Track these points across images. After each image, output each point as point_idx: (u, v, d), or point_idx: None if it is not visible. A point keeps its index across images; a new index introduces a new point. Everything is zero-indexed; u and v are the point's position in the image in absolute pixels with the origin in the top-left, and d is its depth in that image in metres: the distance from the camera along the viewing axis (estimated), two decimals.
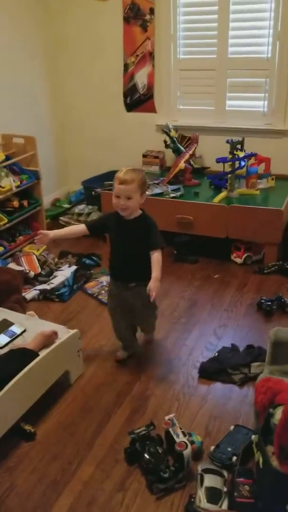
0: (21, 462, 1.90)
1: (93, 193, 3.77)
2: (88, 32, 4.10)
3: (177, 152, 3.79)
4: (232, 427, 1.97)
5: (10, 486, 1.80)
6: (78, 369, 2.35)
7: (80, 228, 2.33)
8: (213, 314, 2.87)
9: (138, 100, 4.14)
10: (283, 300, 2.87)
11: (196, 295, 3.08)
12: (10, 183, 3.41)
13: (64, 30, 4.16)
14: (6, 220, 3.38)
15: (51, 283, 3.14)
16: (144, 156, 4.04)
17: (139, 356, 2.50)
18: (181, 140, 3.85)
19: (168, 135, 3.76)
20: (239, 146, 3.43)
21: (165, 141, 3.80)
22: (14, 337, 2.25)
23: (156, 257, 2.18)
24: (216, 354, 2.47)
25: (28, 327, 2.33)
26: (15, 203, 3.52)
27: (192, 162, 3.83)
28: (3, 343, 2.20)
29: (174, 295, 3.08)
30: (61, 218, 4.12)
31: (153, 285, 2.12)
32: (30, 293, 3.05)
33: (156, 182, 3.71)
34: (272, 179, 3.67)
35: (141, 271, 2.20)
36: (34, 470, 1.87)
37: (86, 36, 4.11)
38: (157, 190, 3.55)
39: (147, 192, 3.52)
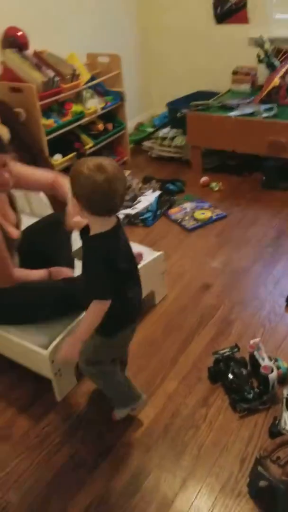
0: None
1: (178, 115, 3.61)
2: None
3: (271, 68, 3.47)
4: None
5: (99, 393, 1.89)
6: (162, 291, 2.38)
7: None
8: None
9: (229, 10, 3.77)
10: None
11: (286, 224, 2.93)
12: (95, 104, 3.35)
13: None
14: (91, 144, 3.36)
15: (135, 207, 3.14)
16: (234, 73, 3.74)
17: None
18: (276, 53, 3.50)
19: (262, 48, 3.43)
20: None
21: (258, 56, 3.49)
22: None
23: (90, 307, 1.49)
24: None
25: None
26: (100, 126, 3.47)
27: None
28: None
29: (261, 224, 2.95)
30: (144, 143, 4.03)
31: (64, 343, 1.62)
32: None
33: (246, 101, 3.46)
34: None
35: None
36: None
37: None
38: (248, 110, 3.31)
39: (235, 113, 3.34)
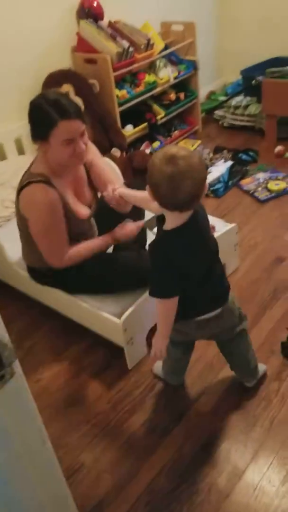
0: None
1: (253, 82, 3.46)
2: None
3: None
4: None
5: None
6: (234, 263, 2.34)
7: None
8: None
9: None
10: None
11: None
12: (168, 74, 3.29)
13: None
14: (163, 114, 3.32)
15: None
16: None
17: None
18: None
19: None
20: None
21: None
22: None
23: (156, 305, 1.47)
24: None
25: None
26: (172, 96, 3.42)
27: None
28: None
29: None
30: (216, 112, 3.92)
31: (154, 341, 1.55)
32: None
33: None
34: None
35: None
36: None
37: None
38: None
39: None
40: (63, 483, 1.15)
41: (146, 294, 1.87)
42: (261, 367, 1.80)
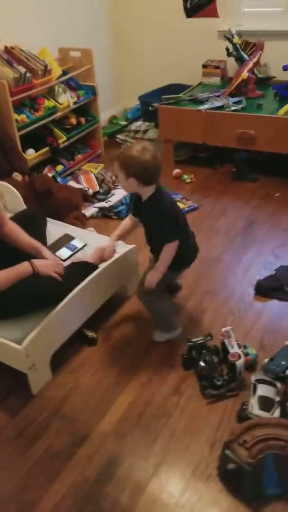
0: (84, 364, 2.05)
1: (150, 108, 3.64)
2: None
3: (240, 61, 3.52)
4: (287, 342, 1.99)
5: (75, 385, 1.95)
6: (135, 283, 2.42)
7: (129, 221, 2.14)
8: (272, 233, 2.81)
9: (198, 4, 3.81)
10: None
11: (254, 215, 3.00)
12: (67, 99, 3.35)
13: None
14: (64, 138, 3.37)
15: (109, 201, 3.17)
16: (204, 66, 3.79)
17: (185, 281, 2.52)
18: (245, 47, 3.56)
19: (231, 41, 3.48)
20: None
21: (227, 49, 3.53)
22: (76, 251, 2.33)
23: (164, 249, 1.92)
24: (274, 272, 2.45)
25: (88, 241, 2.40)
26: (73, 120, 3.48)
27: (256, 72, 3.56)
28: (65, 256, 2.29)
29: (231, 214, 3.02)
30: (118, 135, 4.05)
31: (149, 275, 1.97)
32: (89, 211, 3.11)
33: (216, 94, 3.51)
34: None
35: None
36: (96, 372, 2.01)
37: None
38: (217, 103, 3.36)
39: (205, 106, 3.38)
40: None
41: (50, 317, 1.89)
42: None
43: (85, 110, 3.63)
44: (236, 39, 3.48)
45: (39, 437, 1.76)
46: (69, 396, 1.91)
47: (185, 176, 3.43)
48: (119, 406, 1.85)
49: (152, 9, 3.99)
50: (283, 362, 1.89)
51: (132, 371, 2.00)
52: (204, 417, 1.79)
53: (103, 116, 4.01)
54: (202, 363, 1.92)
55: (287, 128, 3.12)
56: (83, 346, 2.13)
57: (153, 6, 3.98)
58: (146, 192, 1.88)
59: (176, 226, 1.91)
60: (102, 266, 2.17)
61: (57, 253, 2.26)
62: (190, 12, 3.87)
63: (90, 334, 2.14)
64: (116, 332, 2.20)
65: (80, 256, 2.29)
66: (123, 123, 4.14)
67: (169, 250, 1.91)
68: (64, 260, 2.25)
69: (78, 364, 2.05)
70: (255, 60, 3.47)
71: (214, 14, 3.76)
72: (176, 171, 3.48)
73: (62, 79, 3.34)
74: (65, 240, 2.38)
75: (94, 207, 3.15)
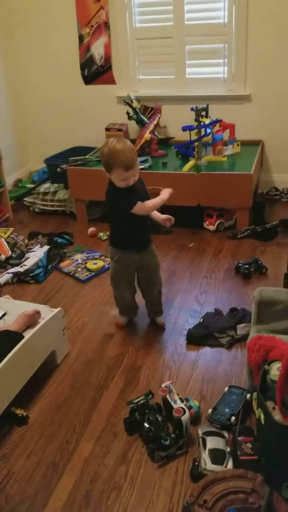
0: (16, 447, 1.84)
1: (58, 170, 3.65)
2: (38, 4, 3.92)
3: (141, 123, 3.71)
4: (226, 389, 1.98)
5: (8, 473, 1.74)
6: (64, 348, 2.29)
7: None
8: (193, 282, 2.86)
9: (96, 72, 4.01)
10: (259, 262, 2.89)
11: (174, 265, 3.06)
12: None
13: (15, 4, 3.96)
14: None
15: (24, 265, 3.04)
16: (107, 129, 3.92)
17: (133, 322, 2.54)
18: (144, 110, 3.77)
19: (131, 106, 3.66)
20: (204, 113, 3.39)
21: (127, 113, 3.70)
22: None
23: (135, 211, 2.21)
24: (201, 320, 2.47)
25: (7, 309, 2.24)
26: None
27: (156, 133, 3.76)
28: None
29: None
30: (25, 199, 3.98)
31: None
32: (3, 277, 2.94)
33: None
34: (238, 144, 3.67)
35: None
36: (31, 453, 1.81)
37: (37, 9, 3.94)
38: None
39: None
40: None
41: None
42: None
43: None
44: (135, 104, 3.67)
45: None
46: (3, 487, 1.68)
47: (101, 234, 3.43)
48: (63, 488, 1.67)
49: (50, 80, 4.13)
50: (227, 410, 1.86)
51: (71, 446, 1.83)
52: (156, 483, 1.67)
53: (8, 180, 3.93)
54: (146, 425, 1.82)
55: (192, 183, 3.30)
56: (13, 427, 1.92)
57: (51, 77, 4.12)
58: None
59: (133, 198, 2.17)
60: (27, 334, 2.02)
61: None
62: (88, 79, 4.05)
63: (19, 412, 1.94)
64: (48, 406, 2.02)
65: (0, 326, 2.12)
66: (30, 185, 4.08)
67: (140, 208, 2.18)
68: None
69: (10, 448, 1.84)
70: (155, 122, 3.68)
71: (111, 81, 3.96)
72: (91, 229, 3.47)
73: None
74: None
75: (8, 273, 2.99)
